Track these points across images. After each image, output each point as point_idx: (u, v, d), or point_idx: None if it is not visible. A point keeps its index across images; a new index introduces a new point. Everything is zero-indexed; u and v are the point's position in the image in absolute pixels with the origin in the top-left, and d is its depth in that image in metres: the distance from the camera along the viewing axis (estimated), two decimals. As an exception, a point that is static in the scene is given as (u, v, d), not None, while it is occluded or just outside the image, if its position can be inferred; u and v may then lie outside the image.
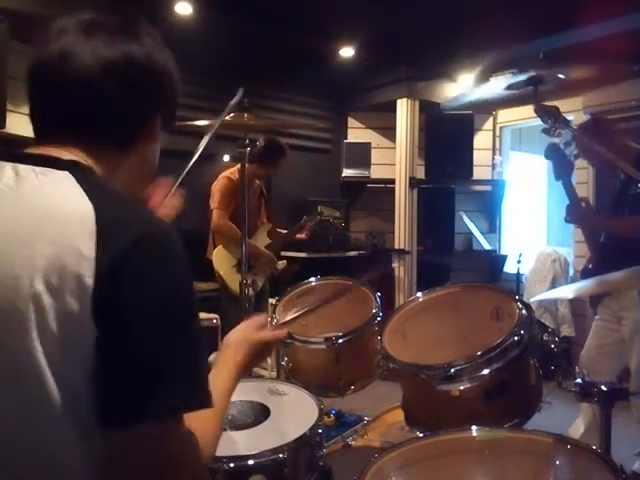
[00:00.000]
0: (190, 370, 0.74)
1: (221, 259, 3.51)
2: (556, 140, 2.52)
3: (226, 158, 4.12)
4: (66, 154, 0.79)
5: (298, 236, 3.94)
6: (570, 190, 2.65)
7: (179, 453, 0.74)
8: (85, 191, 0.72)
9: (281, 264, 3.80)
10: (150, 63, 0.85)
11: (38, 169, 0.75)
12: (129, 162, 0.87)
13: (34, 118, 0.84)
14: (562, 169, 2.62)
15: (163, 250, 0.74)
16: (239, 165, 3.50)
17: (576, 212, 2.66)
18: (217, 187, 3.53)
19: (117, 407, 0.68)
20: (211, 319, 3.55)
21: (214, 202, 3.51)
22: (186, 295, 0.76)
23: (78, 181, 0.74)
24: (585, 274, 2.71)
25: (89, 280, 0.67)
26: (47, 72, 0.81)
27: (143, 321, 0.69)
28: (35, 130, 0.84)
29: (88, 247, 0.68)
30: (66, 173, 0.75)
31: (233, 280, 3.40)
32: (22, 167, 0.75)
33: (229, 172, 3.59)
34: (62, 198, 0.72)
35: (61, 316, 0.66)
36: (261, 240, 3.71)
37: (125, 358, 0.68)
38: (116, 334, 0.68)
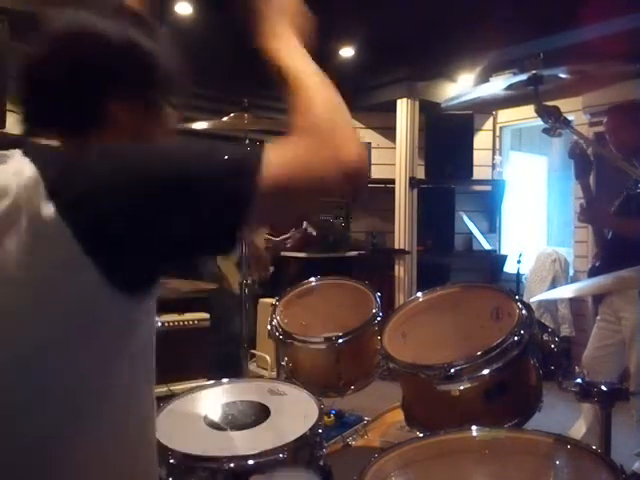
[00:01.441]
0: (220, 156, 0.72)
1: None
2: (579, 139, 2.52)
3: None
4: (44, 139, 0.81)
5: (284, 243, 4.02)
6: (588, 190, 2.65)
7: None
8: (31, 160, 0.74)
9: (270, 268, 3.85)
10: (99, 42, 0.80)
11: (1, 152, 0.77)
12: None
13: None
14: (584, 169, 2.63)
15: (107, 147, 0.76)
16: None
17: (591, 212, 2.66)
18: None
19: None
20: (203, 319, 3.51)
21: None
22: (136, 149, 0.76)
23: (26, 154, 0.75)
24: (592, 273, 2.71)
25: (44, 202, 0.68)
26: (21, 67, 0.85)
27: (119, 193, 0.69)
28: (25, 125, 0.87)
29: (36, 189, 0.69)
30: (16, 150, 0.77)
31: (233, 277, 3.39)
32: None
33: None
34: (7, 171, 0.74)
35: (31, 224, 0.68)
36: (259, 242, 3.72)
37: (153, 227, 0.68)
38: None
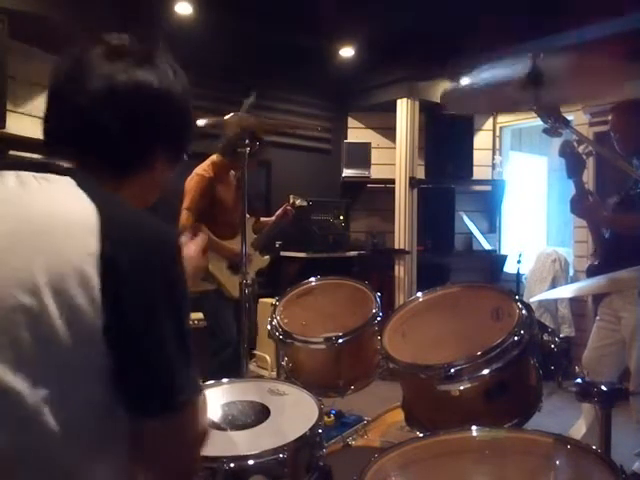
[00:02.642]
0: (190, 363, 0.81)
1: (215, 262, 3.32)
2: (573, 137, 2.53)
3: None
4: (66, 164, 0.81)
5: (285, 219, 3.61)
6: (580, 187, 2.66)
7: (192, 433, 0.84)
8: (86, 193, 0.75)
9: (265, 260, 3.63)
10: (159, 97, 0.86)
11: (38, 175, 0.78)
12: (128, 188, 0.88)
13: (45, 128, 0.87)
14: (575, 167, 2.63)
15: (165, 254, 0.78)
16: (214, 157, 3.34)
17: (581, 205, 2.67)
18: (189, 185, 3.31)
19: (140, 402, 0.76)
20: (201, 319, 3.47)
21: (185, 201, 3.28)
22: (184, 295, 0.81)
23: (79, 184, 0.77)
24: (591, 272, 2.71)
25: (93, 275, 0.70)
26: (60, 87, 0.85)
27: (151, 320, 0.74)
28: (45, 141, 0.87)
29: (91, 245, 0.71)
30: (67, 178, 0.77)
31: (229, 282, 3.28)
32: (23, 174, 0.78)
33: (202, 168, 3.35)
34: (64, 199, 0.75)
35: (65, 310, 0.69)
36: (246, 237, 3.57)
37: (141, 357, 0.74)
38: (129, 333, 0.73)
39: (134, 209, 0.81)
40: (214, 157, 3.38)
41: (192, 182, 3.32)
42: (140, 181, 0.89)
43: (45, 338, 0.68)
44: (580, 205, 2.67)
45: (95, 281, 0.70)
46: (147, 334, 0.74)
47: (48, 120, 0.86)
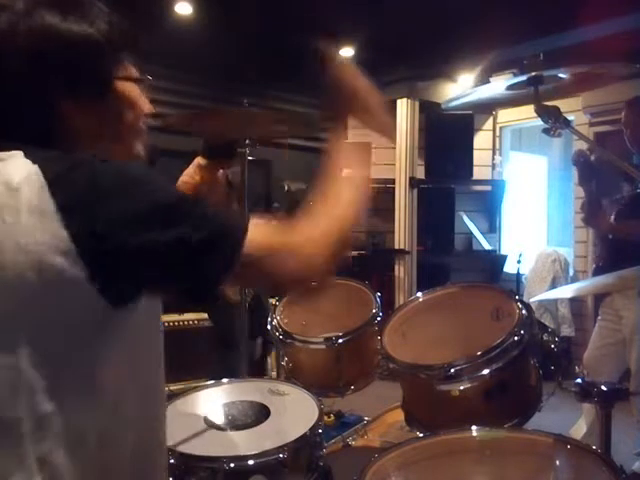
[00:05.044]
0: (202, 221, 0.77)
1: None
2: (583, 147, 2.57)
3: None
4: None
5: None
6: (591, 195, 2.68)
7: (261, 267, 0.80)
8: (31, 159, 0.75)
9: None
10: (36, 41, 0.78)
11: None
12: (86, 142, 0.84)
13: None
14: (587, 175, 2.65)
15: (114, 173, 0.76)
16: (199, 160, 3.33)
17: (591, 214, 2.68)
18: None
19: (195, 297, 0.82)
20: (203, 319, 3.46)
21: None
22: (149, 178, 0.77)
23: (25, 154, 0.76)
24: (597, 273, 2.72)
25: (51, 212, 0.71)
26: None
27: (124, 234, 0.72)
28: None
29: (43, 199, 0.71)
30: (17, 152, 0.76)
31: (227, 287, 3.26)
32: None
33: (188, 175, 3.30)
34: (14, 172, 0.74)
35: (35, 263, 0.70)
36: None
37: (154, 253, 0.73)
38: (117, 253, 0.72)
39: (79, 157, 0.78)
40: (199, 159, 3.31)
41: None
42: (72, 142, 0.83)
43: (11, 287, 0.70)
44: (588, 212, 2.69)
45: (55, 217, 0.70)
46: (130, 246, 0.72)
47: None
